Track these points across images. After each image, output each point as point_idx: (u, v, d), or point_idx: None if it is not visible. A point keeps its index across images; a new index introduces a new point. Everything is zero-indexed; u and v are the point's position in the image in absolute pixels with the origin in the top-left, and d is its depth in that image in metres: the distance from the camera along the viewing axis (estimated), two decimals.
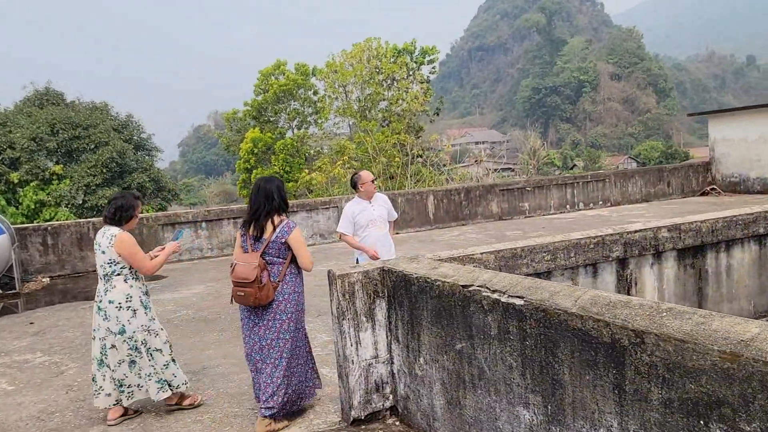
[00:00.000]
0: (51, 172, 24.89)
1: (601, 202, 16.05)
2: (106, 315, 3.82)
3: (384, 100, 30.26)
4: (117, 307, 3.81)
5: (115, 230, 3.86)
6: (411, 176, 22.59)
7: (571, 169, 76.43)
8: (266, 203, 3.68)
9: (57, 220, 23.36)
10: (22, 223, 23.33)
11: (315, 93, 34.42)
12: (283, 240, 3.67)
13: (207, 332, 6.17)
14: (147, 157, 29.10)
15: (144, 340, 3.86)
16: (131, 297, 3.85)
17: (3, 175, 24.36)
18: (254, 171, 32.33)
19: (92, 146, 25.61)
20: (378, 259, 5.33)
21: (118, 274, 3.85)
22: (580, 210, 15.68)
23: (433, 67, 34.41)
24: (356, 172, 5.12)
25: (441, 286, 2.79)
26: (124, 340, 3.80)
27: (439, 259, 3.48)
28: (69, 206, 24.68)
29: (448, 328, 2.76)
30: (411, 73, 31.29)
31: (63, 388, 4.72)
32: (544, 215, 15.19)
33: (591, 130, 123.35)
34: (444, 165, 25.38)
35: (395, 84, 30.53)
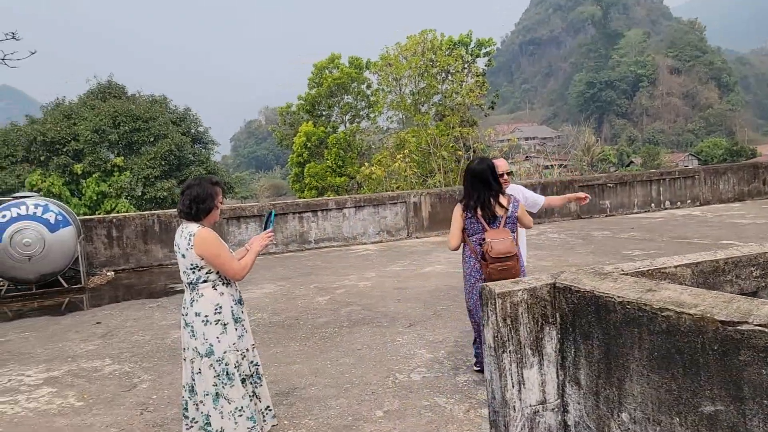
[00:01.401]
0: (112, 164, 25.15)
1: (689, 201, 14.74)
2: (193, 332, 3.13)
3: (438, 93, 29.35)
4: (204, 321, 3.09)
5: (193, 227, 3.10)
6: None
7: (628, 165, 73.54)
8: (488, 187, 3.90)
9: (118, 211, 23.56)
10: (85, 213, 23.63)
11: (368, 86, 33.80)
12: (516, 214, 4.00)
13: (288, 341, 5.51)
14: (203, 150, 29.21)
15: (237, 362, 3.16)
16: (220, 307, 3.13)
17: (68, 167, 24.76)
18: (307, 165, 32.02)
19: (152, 139, 25.77)
20: None
21: (205, 281, 3.12)
22: (666, 209, 14.43)
23: (489, 60, 33.19)
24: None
25: (674, 319, 2.00)
26: (211, 365, 3.08)
27: (623, 273, 2.65)
28: (129, 197, 24.88)
29: (688, 380, 1.96)
30: (466, 65, 30.22)
31: (137, 407, 4.12)
32: (627, 214, 14.01)
33: (648, 125, 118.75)
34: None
35: (450, 77, 29.56)
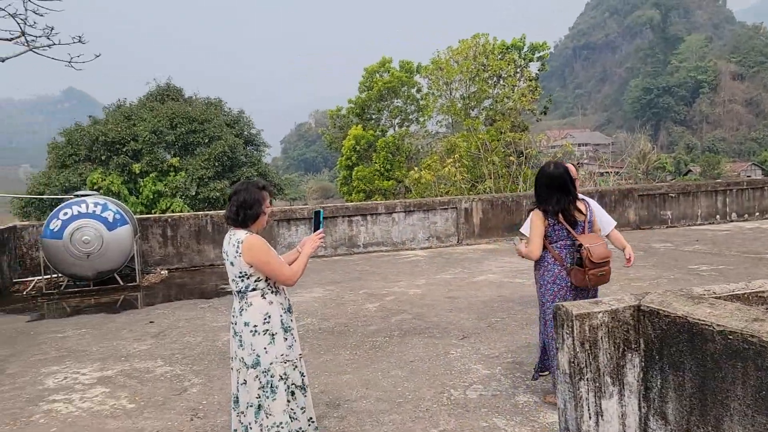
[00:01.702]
0: (168, 164, 25.85)
1: (758, 213, 13.91)
2: (241, 341, 3.02)
3: (489, 97, 28.89)
4: (252, 331, 2.96)
5: (241, 234, 2.98)
6: (517, 178, 21.14)
7: (686, 174, 70.68)
8: (566, 192, 3.78)
9: (172, 210, 24.17)
10: (141, 212, 24.35)
11: (418, 90, 33.66)
12: (592, 218, 3.92)
13: (338, 349, 5.39)
14: (255, 152, 29.67)
15: (284, 374, 3.01)
16: (269, 317, 2.99)
17: (126, 166, 25.58)
18: (355, 168, 32.13)
19: (206, 140, 26.34)
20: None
21: (254, 289, 2.99)
22: (732, 221, 13.66)
23: (543, 64, 32.48)
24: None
25: None
26: (257, 376, 2.95)
27: (717, 297, 2.39)
28: (183, 197, 25.50)
29: None
30: (518, 70, 29.64)
31: (187, 411, 4.08)
32: (689, 226, 13.34)
33: (708, 133, 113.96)
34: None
35: (501, 81, 29.06)
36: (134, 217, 9.99)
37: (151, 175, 25.80)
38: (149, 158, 25.63)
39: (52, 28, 8.97)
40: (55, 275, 9.09)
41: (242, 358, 3.00)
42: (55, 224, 8.30)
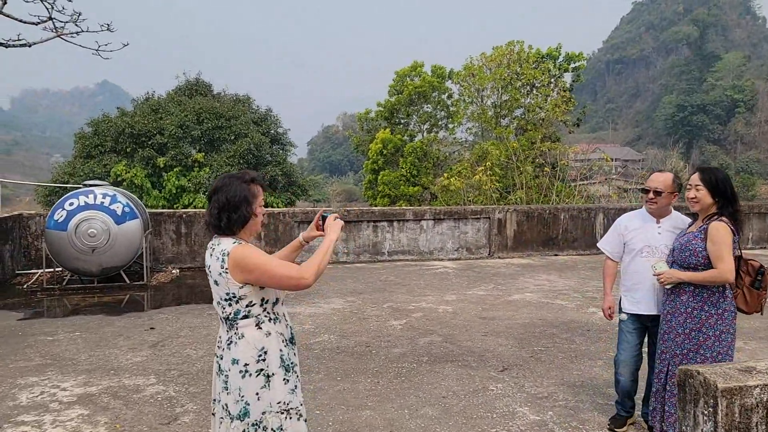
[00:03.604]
0: (193, 159, 25.46)
1: None
2: (226, 384, 2.25)
3: (521, 107, 28.10)
4: (242, 371, 2.20)
5: (226, 244, 2.22)
6: (549, 189, 20.22)
7: None
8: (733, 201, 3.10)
9: (194, 206, 23.77)
10: (164, 206, 23.99)
11: (449, 96, 32.97)
12: None
13: (358, 375, 4.66)
14: (281, 151, 29.17)
15: (281, 428, 2.22)
16: (266, 353, 2.23)
17: (151, 159, 25.25)
18: (381, 172, 31.54)
19: (232, 137, 25.92)
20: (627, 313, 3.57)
21: (246, 317, 2.23)
22: None
23: (578, 75, 31.54)
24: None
25: None
26: (244, 430, 2.19)
27: None
28: (206, 193, 25.12)
29: None
30: (553, 80, 28.77)
31: None
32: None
33: (743, 154, 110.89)
34: (573, 180, 22.70)
35: (534, 90, 28.24)
36: (146, 210, 9.41)
37: (175, 169, 25.44)
38: (174, 152, 25.28)
39: (80, 14, 8.53)
40: (59, 269, 8.53)
41: (226, 405, 2.24)
42: (59, 215, 7.74)
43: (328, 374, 4.66)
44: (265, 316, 2.26)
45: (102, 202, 7.86)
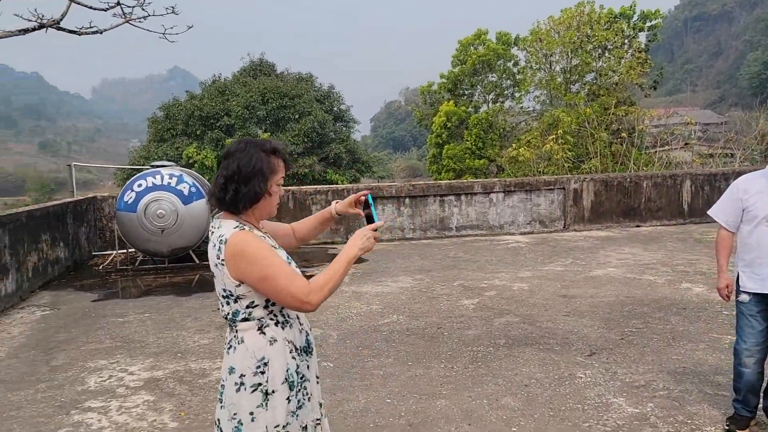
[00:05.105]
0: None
1: None
2: (221, 396, 1.83)
3: (592, 71, 26.54)
4: (237, 383, 1.77)
5: (227, 227, 1.77)
6: (626, 157, 19.00)
7: None
8: None
9: None
10: None
11: (515, 64, 31.66)
12: None
13: (430, 359, 4.35)
14: (344, 129, 29.11)
15: None
16: (266, 365, 1.78)
17: (220, 141, 25.82)
18: (445, 146, 30.86)
19: (296, 116, 26.06)
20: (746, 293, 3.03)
21: (246, 319, 1.79)
22: None
23: (655, 34, 29.45)
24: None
25: None
26: None
27: None
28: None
29: None
30: (627, 40, 26.95)
31: None
32: None
33: None
34: (651, 147, 21.21)
35: (607, 53, 26.57)
36: None
37: None
38: (241, 133, 25.70)
39: None
40: (132, 250, 8.69)
41: (218, 421, 1.84)
42: (129, 196, 7.82)
43: (398, 358, 4.38)
44: (271, 319, 1.81)
45: (169, 183, 7.88)
